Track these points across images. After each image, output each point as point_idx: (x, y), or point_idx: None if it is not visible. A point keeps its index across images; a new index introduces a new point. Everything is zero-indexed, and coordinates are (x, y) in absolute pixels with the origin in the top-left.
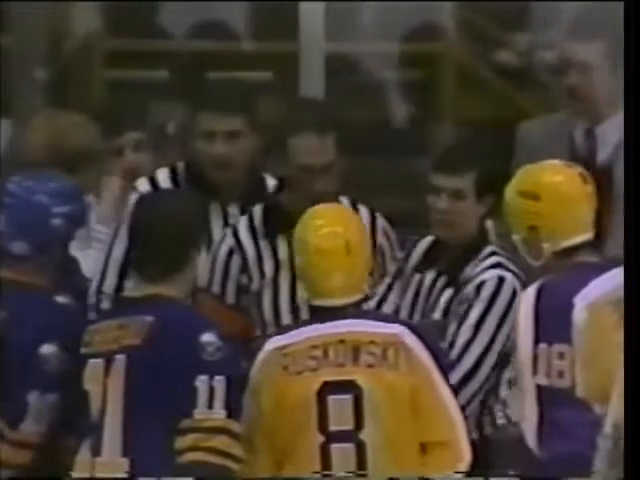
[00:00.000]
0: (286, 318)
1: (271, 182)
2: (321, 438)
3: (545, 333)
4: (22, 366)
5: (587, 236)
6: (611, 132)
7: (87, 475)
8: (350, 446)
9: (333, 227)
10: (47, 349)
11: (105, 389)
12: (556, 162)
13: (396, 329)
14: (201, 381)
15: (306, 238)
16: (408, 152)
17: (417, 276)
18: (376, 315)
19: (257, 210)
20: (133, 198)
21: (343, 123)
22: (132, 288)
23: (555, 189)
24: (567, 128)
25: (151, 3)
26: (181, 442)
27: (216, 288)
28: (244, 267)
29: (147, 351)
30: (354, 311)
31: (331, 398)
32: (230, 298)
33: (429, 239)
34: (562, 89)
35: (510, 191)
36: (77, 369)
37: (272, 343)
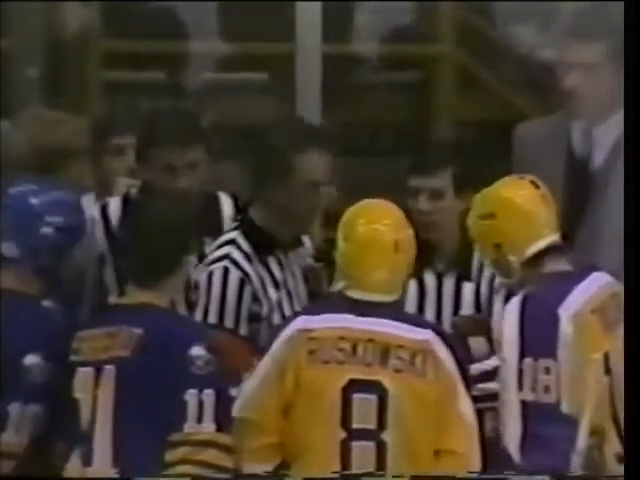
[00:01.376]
0: None
1: (227, 201)
2: (343, 434)
3: (531, 347)
4: (5, 376)
5: (551, 239)
6: (608, 133)
7: None
8: (371, 445)
9: (386, 223)
10: (31, 360)
11: (95, 399)
12: (507, 178)
13: (427, 335)
14: (190, 395)
15: (357, 228)
16: (406, 153)
17: (412, 281)
18: (409, 318)
19: (239, 237)
20: (116, 203)
21: (340, 124)
22: (123, 294)
23: (506, 201)
24: (564, 129)
25: (147, 4)
26: (171, 455)
27: (229, 321)
28: (254, 295)
29: (136, 363)
30: (388, 310)
31: (356, 396)
32: (243, 329)
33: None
34: (560, 90)
35: (471, 219)
36: (63, 378)
37: (299, 323)
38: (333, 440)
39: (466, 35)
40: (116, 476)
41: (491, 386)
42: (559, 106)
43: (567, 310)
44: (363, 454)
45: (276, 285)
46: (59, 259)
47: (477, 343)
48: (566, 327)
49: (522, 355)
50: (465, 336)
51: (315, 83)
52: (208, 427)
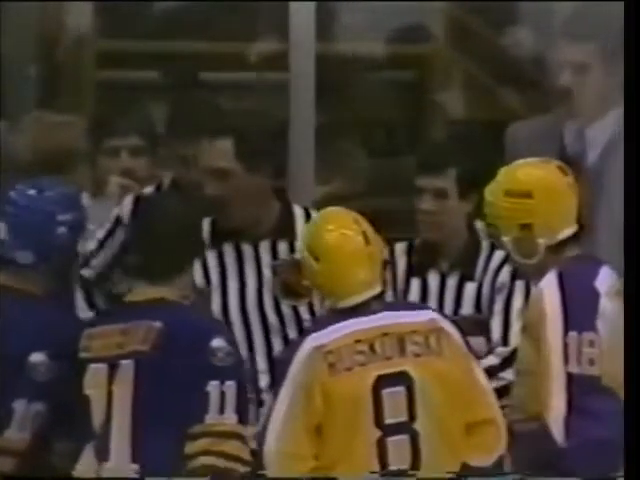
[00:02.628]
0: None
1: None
2: (378, 433)
3: (574, 321)
4: (10, 373)
5: (574, 228)
6: (601, 133)
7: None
8: (405, 437)
9: (346, 226)
10: (36, 358)
11: (110, 395)
12: (534, 159)
13: (431, 314)
14: (212, 386)
15: (324, 243)
16: (399, 151)
17: (415, 280)
18: (405, 305)
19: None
20: (128, 201)
21: (334, 123)
22: (132, 291)
23: (546, 184)
24: (557, 129)
25: (143, 3)
26: (192, 447)
27: None
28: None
29: (156, 357)
30: (384, 304)
31: (385, 391)
32: None
33: (408, 243)
34: (554, 89)
35: (495, 193)
36: (72, 375)
37: (311, 342)
38: (369, 441)
39: (460, 35)
40: (135, 472)
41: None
42: (552, 105)
43: (602, 285)
44: (398, 449)
45: (224, 272)
46: (69, 257)
47: (476, 343)
48: (604, 301)
49: (566, 329)
50: (466, 336)
51: (309, 82)
52: (230, 418)
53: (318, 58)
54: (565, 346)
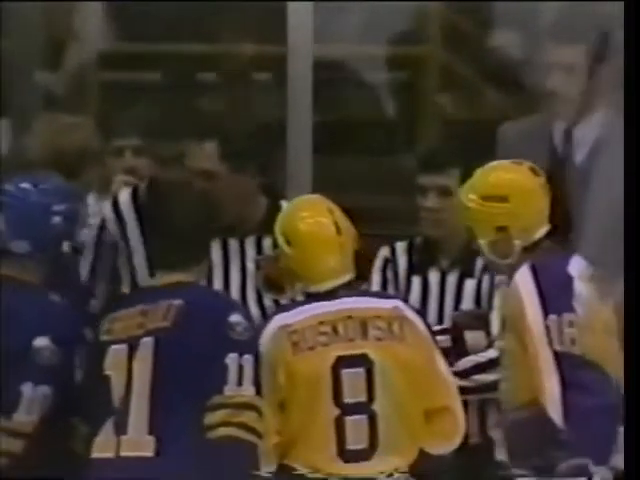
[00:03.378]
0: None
1: None
2: (336, 411)
3: (552, 305)
4: (17, 358)
5: (547, 227)
6: (588, 132)
7: (111, 454)
8: (364, 417)
9: (319, 214)
10: (40, 343)
11: (130, 372)
12: (507, 162)
13: (396, 302)
14: (231, 359)
15: (297, 229)
16: (394, 150)
17: (416, 278)
18: (373, 293)
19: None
20: (125, 195)
21: (330, 123)
22: (151, 278)
23: (520, 188)
24: (546, 128)
25: (144, 7)
26: (211, 417)
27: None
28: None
29: (177, 332)
30: (352, 290)
31: (345, 372)
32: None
33: (409, 241)
34: (542, 90)
35: (471, 198)
36: (92, 358)
37: (277, 321)
38: (328, 419)
39: (452, 37)
40: (151, 445)
41: (486, 377)
42: (541, 106)
43: (574, 270)
44: (356, 428)
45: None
46: (65, 244)
47: (474, 337)
48: (578, 285)
49: (545, 313)
50: (463, 330)
51: (307, 83)
52: (248, 390)
53: (315, 59)
54: (547, 329)
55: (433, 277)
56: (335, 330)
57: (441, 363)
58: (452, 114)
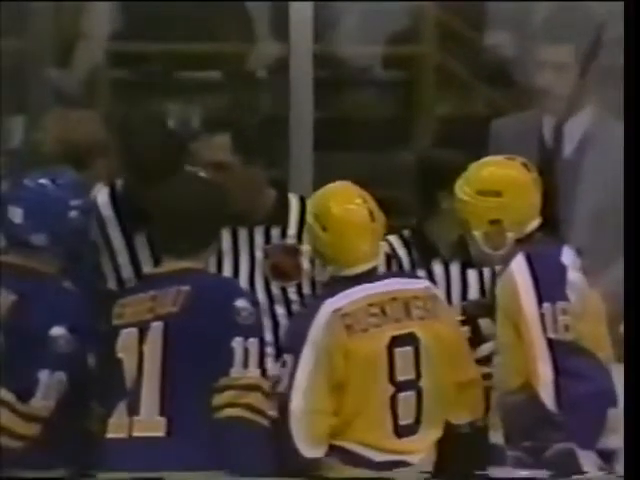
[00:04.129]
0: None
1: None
2: (392, 389)
3: (546, 293)
4: (34, 346)
5: (539, 220)
6: (577, 128)
7: (124, 435)
8: (412, 394)
9: (355, 200)
10: (57, 331)
11: (141, 355)
12: (501, 157)
13: (426, 283)
14: (237, 342)
15: (333, 213)
16: (391, 146)
17: (421, 271)
18: (403, 273)
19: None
20: (104, 195)
21: (330, 119)
22: (154, 265)
23: (514, 183)
24: (537, 124)
25: (150, 7)
26: (218, 399)
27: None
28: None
29: (185, 317)
30: (384, 272)
31: (397, 350)
32: None
33: (399, 235)
34: (533, 88)
35: (466, 191)
36: (104, 342)
37: (328, 306)
38: (385, 397)
39: (447, 37)
40: (163, 425)
41: None
42: (532, 103)
43: (567, 259)
44: (407, 404)
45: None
46: (81, 239)
47: (486, 324)
48: (571, 274)
49: (540, 301)
50: (475, 318)
51: (308, 81)
52: (253, 372)
53: (316, 58)
54: (541, 317)
55: (437, 269)
56: (384, 311)
57: (465, 339)
58: (445, 111)
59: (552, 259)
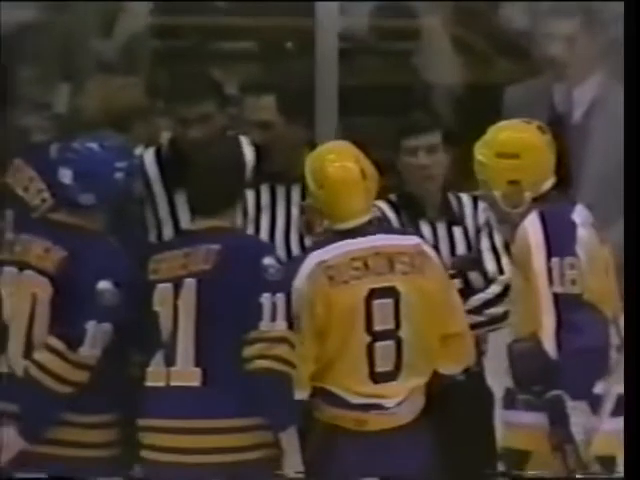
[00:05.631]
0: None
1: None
2: (368, 338)
3: (556, 249)
4: (82, 298)
5: (553, 179)
6: (586, 93)
7: (162, 384)
8: (391, 343)
9: (347, 158)
10: (103, 285)
11: (176, 309)
12: (518, 121)
13: (416, 240)
14: (265, 298)
15: (326, 172)
16: (410, 112)
17: (410, 230)
18: (394, 229)
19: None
20: (150, 154)
21: (354, 88)
22: (189, 223)
23: (532, 146)
24: (548, 91)
25: None
26: (248, 351)
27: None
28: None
29: (216, 275)
30: (375, 227)
31: (376, 302)
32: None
33: (386, 200)
34: (544, 57)
35: (486, 154)
36: (142, 296)
37: (313, 258)
38: (361, 345)
39: (462, 10)
40: (198, 376)
41: (497, 311)
42: (543, 72)
43: (578, 218)
44: (385, 352)
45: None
46: (126, 199)
47: (474, 277)
48: (581, 231)
49: (549, 255)
50: (464, 272)
51: (333, 52)
52: (281, 325)
53: (340, 31)
54: (549, 270)
55: (425, 229)
56: (366, 265)
57: (455, 293)
58: (459, 79)
59: (563, 217)
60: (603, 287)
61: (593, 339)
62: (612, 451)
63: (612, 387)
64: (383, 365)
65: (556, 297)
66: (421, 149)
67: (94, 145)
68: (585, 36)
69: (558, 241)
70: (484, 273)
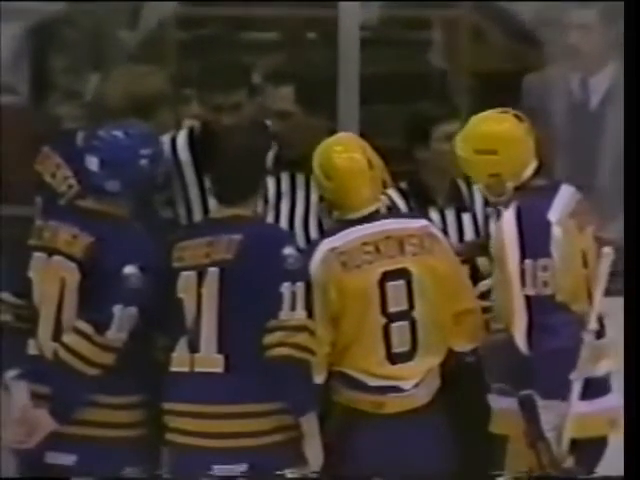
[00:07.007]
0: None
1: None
2: (383, 320)
3: (530, 250)
4: (109, 283)
5: (535, 163)
6: (602, 81)
7: (186, 369)
8: (406, 324)
9: (353, 149)
10: (129, 270)
11: (199, 297)
12: (494, 112)
13: (424, 222)
14: (285, 287)
15: (334, 164)
16: (427, 100)
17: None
18: (403, 214)
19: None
20: (182, 136)
21: (376, 76)
22: (213, 211)
23: (509, 139)
24: (565, 79)
25: None
26: (269, 339)
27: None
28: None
29: (239, 264)
30: (384, 214)
31: (389, 284)
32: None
33: (396, 187)
34: (562, 47)
35: (465, 150)
36: (167, 282)
37: (325, 245)
38: (377, 327)
39: (482, 1)
40: (221, 362)
41: None
42: (560, 60)
43: (554, 216)
44: (401, 332)
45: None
46: (151, 185)
47: (482, 262)
48: (556, 230)
49: (523, 257)
50: (473, 257)
51: (355, 41)
52: (300, 314)
53: (362, 20)
54: (522, 272)
55: (434, 216)
56: (377, 249)
57: (464, 272)
58: (480, 67)
59: (539, 215)
60: (578, 283)
61: (564, 340)
62: (586, 433)
63: (581, 375)
64: (400, 345)
65: (528, 299)
66: (454, 136)
67: (119, 133)
68: (602, 25)
69: (532, 242)
70: (491, 258)
